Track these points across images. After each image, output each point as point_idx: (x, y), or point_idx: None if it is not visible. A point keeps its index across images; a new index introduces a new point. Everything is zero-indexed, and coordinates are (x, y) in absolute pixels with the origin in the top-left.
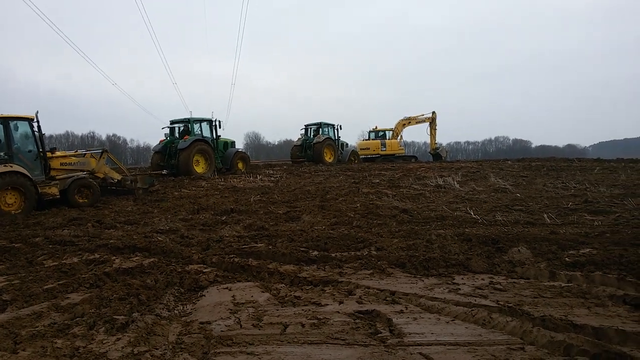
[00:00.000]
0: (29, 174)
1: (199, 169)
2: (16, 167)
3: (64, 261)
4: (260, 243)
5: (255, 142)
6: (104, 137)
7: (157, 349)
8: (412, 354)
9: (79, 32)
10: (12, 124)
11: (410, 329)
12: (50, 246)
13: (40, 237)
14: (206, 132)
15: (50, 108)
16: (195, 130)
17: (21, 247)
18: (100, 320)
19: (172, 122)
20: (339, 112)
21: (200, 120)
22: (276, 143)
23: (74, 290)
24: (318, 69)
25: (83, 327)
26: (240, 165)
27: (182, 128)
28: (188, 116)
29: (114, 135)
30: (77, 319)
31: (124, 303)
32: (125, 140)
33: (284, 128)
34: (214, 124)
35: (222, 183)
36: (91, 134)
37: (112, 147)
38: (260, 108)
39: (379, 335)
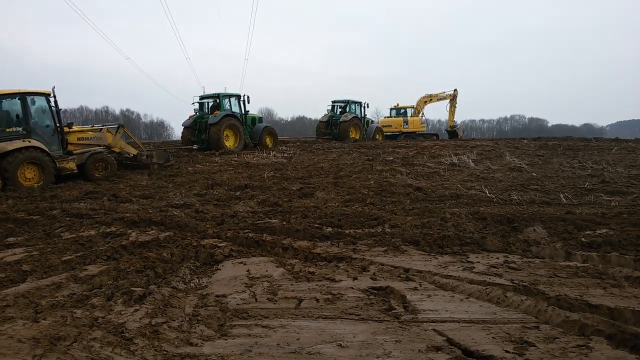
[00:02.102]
0: (47, 149)
1: (229, 143)
2: (34, 142)
3: (81, 234)
4: (274, 219)
5: (268, 118)
6: (117, 112)
7: (174, 320)
8: (426, 330)
9: (92, 6)
10: (29, 99)
11: (424, 306)
12: (68, 219)
13: (57, 209)
14: (235, 108)
15: (64, 82)
16: (224, 106)
17: (39, 220)
18: (118, 291)
19: (202, 98)
20: (353, 89)
21: (230, 96)
22: (289, 120)
23: (92, 262)
24: (332, 45)
25: (101, 298)
26: (268, 140)
27: (211, 103)
28: (217, 91)
29: (127, 110)
30: (96, 290)
31: (141, 275)
32: (138, 115)
33: (296, 104)
34: (242, 99)
35: (235, 159)
36: (105, 108)
37: (126, 122)
38: (273, 84)
39: (393, 311)
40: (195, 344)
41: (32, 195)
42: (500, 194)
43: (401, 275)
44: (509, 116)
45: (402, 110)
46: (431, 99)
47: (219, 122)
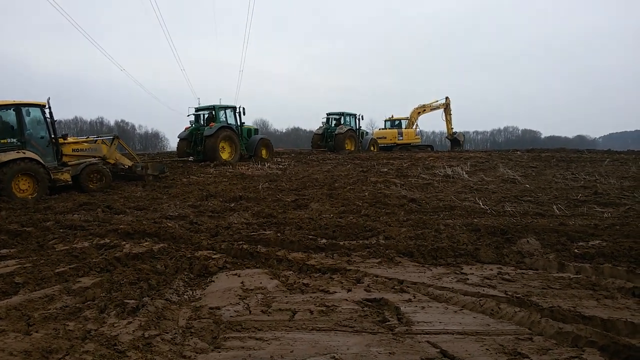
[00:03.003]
0: (41, 160)
1: (225, 155)
2: (29, 154)
3: (75, 245)
4: (268, 230)
5: (263, 130)
6: (112, 123)
7: (167, 333)
8: (420, 342)
9: (87, 18)
10: (24, 110)
11: (418, 318)
12: (61, 230)
13: (51, 221)
14: (230, 119)
15: (59, 94)
16: (220, 117)
17: (32, 231)
18: (111, 304)
19: (197, 110)
20: (346, 100)
21: (225, 107)
22: (284, 131)
23: (85, 274)
24: (325, 57)
25: (94, 311)
26: (264, 152)
27: (207, 115)
28: (212, 103)
29: (122, 121)
30: (89, 302)
31: (134, 287)
32: (133, 126)
33: (291, 116)
34: (238, 111)
35: (230, 170)
36: (100, 119)
37: (121, 133)
38: (267, 95)
39: (387, 323)
40: (189, 356)
41: (26, 206)
42: (494, 205)
43: (395, 287)
44: (502, 128)
45: (397, 122)
46: (424, 110)
47: (214, 134)
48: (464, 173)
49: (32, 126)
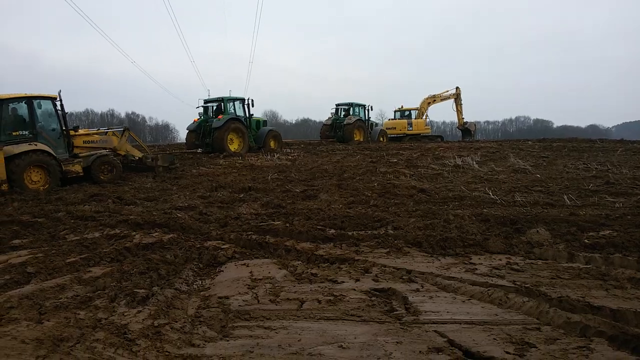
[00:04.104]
0: (53, 152)
1: (233, 147)
2: (41, 146)
3: (86, 236)
4: (277, 221)
5: (272, 121)
6: (123, 115)
7: (176, 322)
8: (427, 331)
9: (98, 10)
10: (35, 102)
11: (426, 307)
12: (72, 221)
13: (62, 212)
14: (239, 111)
15: (70, 86)
16: (228, 109)
17: (44, 222)
18: (121, 293)
19: (206, 102)
20: (356, 92)
21: (234, 99)
22: (293, 122)
23: (96, 264)
24: (336, 48)
25: (105, 300)
26: (272, 143)
27: (215, 107)
28: (221, 95)
29: (132, 113)
30: (99, 291)
31: (144, 277)
32: (144, 118)
33: (300, 107)
34: (247, 102)
35: (239, 161)
36: (110, 111)
37: (131, 125)
38: (277, 87)
39: (395, 312)
40: (198, 345)
41: (38, 197)
42: (504, 195)
43: (403, 277)
44: (514, 117)
45: (406, 113)
46: (434, 100)
47: (223, 126)
48: (474, 163)
49: (43, 118)
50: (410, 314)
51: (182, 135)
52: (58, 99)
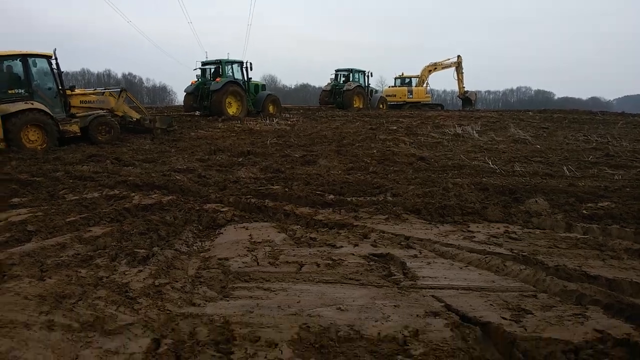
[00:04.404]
0: (49, 112)
1: (231, 110)
2: (37, 105)
3: (85, 196)
4: (276, 185)
5: (271, 86)
6: (120, 76)
7: (177, 281)
8: (424, 296)
9: None
10: (30, 60)
11: (424, 273)
12: (71, 181)
13: (60, 172)
14: (237, 74)
15: (65, 45)
16: (227, 72)
17: (42, 181)
18: (122, 252)
19: (204, 64)
20: (356, 57)
21: (232, 62)
22: (292, 87)
23: (96, 224)
24: (336, 12)
25: (106, 259)
26: (271, 108)
27: (213, 70)
28: (219, 58)
29: (129, 74)
30: (100, 250)
31: (144, 237)
32: (141, 80)
33: (300, 72)
34: (245, 66)
35: (238, 125)
36: (107, 72)
37: (128, 86)
38: (276, 50)
39: (393, 277)
40: (198, 304)
41: (35, 157)
42: (504, 165)
43: (402, 243)
44: (515, 88)
45: (407, 80)
46: (435, 68)
47: (221, 89)
48: (474, 132)
49: (39, 77)
50: (408, 279)
51: (179, 97)
52: (53, 57)
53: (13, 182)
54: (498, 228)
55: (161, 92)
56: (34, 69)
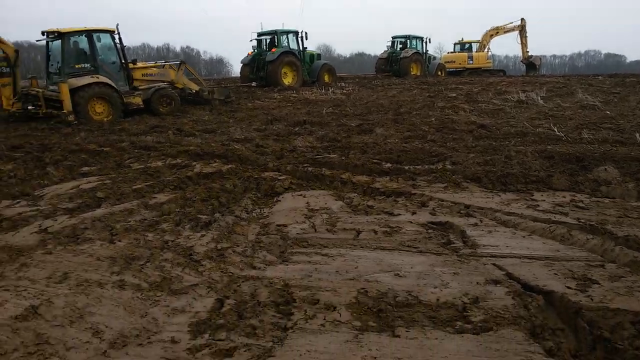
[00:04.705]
0: (114, 85)
1: (287, 80)
2: (102, 78)
3: (149, 165)
4: (333, 154)
5: (326, 55)
6: (178, 49)
7: (238, 246)
8: (485, 264)
9: None
10: (95, 36)
11: (484, 241)
12: (136, 151)
13: (126, 142)
14: (292, 44)
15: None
16: (282, 42)
17: (110, 151)
18: (185, 218)
19: (259, 34)
20: (413, 24)
21: (287, 32)
22: (348, 56)
23: (160, 191)
24: None
25: (170, 224)
26: (326, 77)
27: (269, 40)
28: (274, 28)
29: (187, 47)
30: (165, 216)
31: (206, 204)
32: (198, 52)
33: (355, 41)
34: (300, 35)
35: (294, 95)
36: (166, 45)
37: (187, 59)
38: (332, 19)
39: (452, 245)
40: (259, 267)
41: (102, 128)
42: (570, 132)
43: (461, 211)
44: (583, 51)
45: (467, 45)
46: (497, 32)
47: (276, 60)
48: (539, 98)
49: (103, 52)
50: (468, 247)
51: (235, 69)
52: (116, 32)
53: (83, 152)
54: (564, 197)
55: (218, 64)
56: (98, 44)
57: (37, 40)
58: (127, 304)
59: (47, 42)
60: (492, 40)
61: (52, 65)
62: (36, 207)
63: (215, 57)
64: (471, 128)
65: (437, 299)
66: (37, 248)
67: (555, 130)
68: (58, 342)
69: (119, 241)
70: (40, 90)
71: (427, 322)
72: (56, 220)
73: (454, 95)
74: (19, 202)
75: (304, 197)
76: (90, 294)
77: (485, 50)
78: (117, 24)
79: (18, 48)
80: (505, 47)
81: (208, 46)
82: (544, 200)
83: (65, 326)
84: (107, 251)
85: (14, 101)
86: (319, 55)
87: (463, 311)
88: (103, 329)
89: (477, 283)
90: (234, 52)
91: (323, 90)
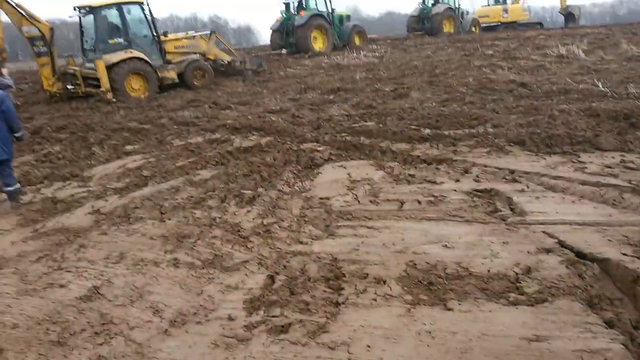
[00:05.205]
0: (148, 59)
1: (317, 45)
2: (136, 53)
3: (190, 140)
4: (369, 121)
5: (354, 16)
6: (206, 19)
7: (283, 221)
8: (535, 232)
9: None
10: (125, 8)
11: (532, 208)
12: (175, 127)
13: (164, 118)
14: (321, 6)
15: None
16: (310, 4)
17: (150, 129)
18: (230, 194)
19: None
20: None
21: None
22: (377, 16)
23: (203, 167)
24: None
25: (216, 200)
26: (357, 40)
27: (296, 3)
28: None
29: (215, 16)
30: (210, 192)
31: (248, 179)
32: (226, 21)
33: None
34: None
35: (325, 61)
36: (194, 15)
37: (215, 28)
38: None
39: (499, 213)
40: (305, 242)
41: (140, 105)
42: (616, 87)
43: (506, 177)
44: None
45: None
46: None
47: (306, 24)
48: (580, 52)
49: (134, 25)
50: (516, 215)
51: (264, 36)
52: (145, 3)
53: (124, 130)
54: (613, 157)
55: (246, 32)
56: (128, 17)
57: (69, 17)
58: (183, 282)
59: (80, 18)
60: None
61: (86, 41)
62: (86, 187)
63: (242, 25)
64: (511, 87)
65: (488, 270)
66: (92, 229)
67: (600, 85)
68: (121, 322)
69: (169, 219)
70: (78, 68)
71: (480, 294)
72: (107, 200)
73: (491, 52)
74: (70, 183)
75: (345, 168)
76: (147, 273)
77: (521, 2)
78: None
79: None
80: None
81: (235, 14)
82: (592, 162)
83: (127, 305)
84: (158, 230)
85: (53, 81)
86: (348, 16)
87: (516, 282)
88: (162, 307)
89: (528, 252)
90: (261, 20)
91: (354, 54)
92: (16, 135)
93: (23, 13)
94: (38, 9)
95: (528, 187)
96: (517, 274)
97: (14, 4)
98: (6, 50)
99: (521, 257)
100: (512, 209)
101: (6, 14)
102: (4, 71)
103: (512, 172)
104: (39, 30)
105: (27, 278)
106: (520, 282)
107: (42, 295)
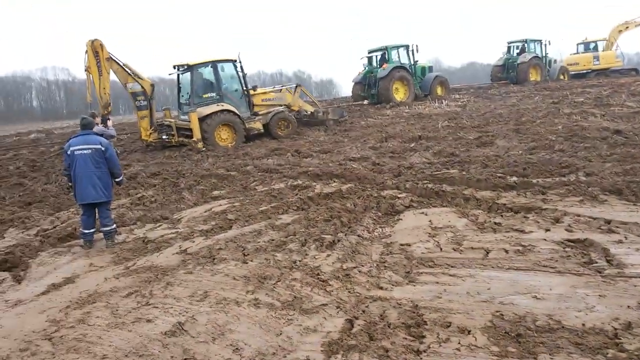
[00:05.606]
0: (237, 112)
1: (399, 96)
2: (226, 106)
3: (273, 187)
4: (452, 169)
5: (436, 67)
6: (290, 74)
7: (363, 266)
8: (635, 285)
9: None
10: (219, 66)
11: (632, 260)
12: (259, 174)
13: (250, 165)
14: (404, 59)
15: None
16: (392, 58)
17: (236, 175)
18: (310, 238)
19: (370, 52)
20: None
21: (397, 47)
22: (459, 66)
23: (285, 212)
24: None
25: (297, 244)
26: (439, 90)
27: (379, 56)
28: (384, 44)
29: (299, 70)
30: (291, 236)
31: (328, 224)
32: (309, 75)
33: (465, 51)
34: (411, 49)
35: (407, 110)
36: (279, 71)
37: (299, 82)
38: (440, 29)
39: (594, 265)
40: (385, 288)
41: (227, 153)
42: None
43: (602, 227)
44: None
45: (592, 45)
46: (627, 27)
47: (388, 75)
48: None
49: (226, 80)
50: (614, 267)
51: (345, 89)
52: (238, 61)
53: (212, 176)
54: None
55: (328, 85)
56: (222, 73)
57: (169, 74)
58: (263, 322)
59: (178, 75)
60: (620, 37)
61: (182, 96)
62: (175, 229)
63: (324, 79)
64: (604, 135)
65: (583, 324)
66: (179, 268)
67: None
68: (203, 358)
69: (251, 261)
70: (173, 120)
71: (573, 348)
72: (194, 241)
73: (581, 99)
74: (160, 225)
75: (426, 215)
76: (229, 312)
77: (614, 48)
78: (239, 53)
79: (153, 82)
80: (636, 43)
81: (318, 69)
82: None
83: (209, 342)
84: (241, 271)
85: (150, 132)
86: (430, 67)
87: (615, 338)
88: (242, 346)
89: (628, 307)
90: (343, 73)
91: (436, 104)
92: (117, 180)
93: (129, 72)
94: (138, 67)
95: (626, 238)
96: (615, 329)
97: (122, 64)
98: (111, 104)
99: (620, 312)
100: (608, 261)
101: (114, 73)
102: (109, 123)
103: (608, 222)
104: (142, 87)
105: (118, 312)
106: (620, 338)
107: (131, 329)
